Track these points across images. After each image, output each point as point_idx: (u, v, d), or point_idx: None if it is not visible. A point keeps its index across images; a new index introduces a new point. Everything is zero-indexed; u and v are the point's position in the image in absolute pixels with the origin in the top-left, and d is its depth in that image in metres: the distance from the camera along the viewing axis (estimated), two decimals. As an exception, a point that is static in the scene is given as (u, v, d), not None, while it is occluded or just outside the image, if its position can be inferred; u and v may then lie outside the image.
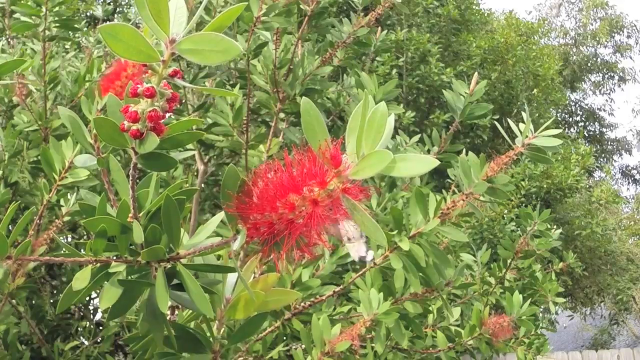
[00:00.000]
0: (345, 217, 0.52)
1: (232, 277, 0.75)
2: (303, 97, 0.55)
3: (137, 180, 0.65)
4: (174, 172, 1.81)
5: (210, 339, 0.75)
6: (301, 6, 1.59)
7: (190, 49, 0.53)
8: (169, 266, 0.64)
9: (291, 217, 0.53)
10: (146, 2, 0.51)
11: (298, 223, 0.53)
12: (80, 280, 0.62)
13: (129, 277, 0.65)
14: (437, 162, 0.50)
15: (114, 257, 0.65)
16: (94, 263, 0.64)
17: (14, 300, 1.58)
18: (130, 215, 0.63)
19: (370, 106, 0.51)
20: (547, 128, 0.98)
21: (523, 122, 1.02)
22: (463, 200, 0.99)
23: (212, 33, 0.52)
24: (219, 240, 0.63)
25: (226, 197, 0.59)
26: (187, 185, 1.89)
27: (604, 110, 12.32)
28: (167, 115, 0.59)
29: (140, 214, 0.65)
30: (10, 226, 0.79)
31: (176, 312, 0.85)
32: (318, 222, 0.52)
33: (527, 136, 0.97)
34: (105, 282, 0.64)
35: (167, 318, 0.72)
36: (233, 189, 0.59)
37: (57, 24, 1.69)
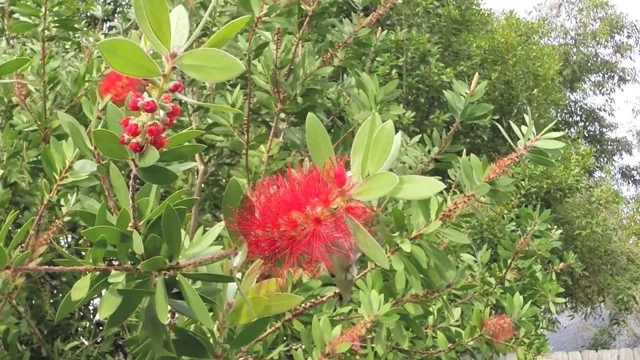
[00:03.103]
0: (347, 236, 0.52)
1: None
2: (307, 109, 0.55)
3: (137, 189, 0.64)
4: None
5: (212, 343, 0.75)
6: (302, 6, 1.59)
7: (191, 64, 0.52)
8: (169, 275, 0.63)
9: (293, 235, 0.53)
10: (146, 14, 0.50)
11: (300, 241, 0.53)
12: (80, 290, 0.62)
13: (129, 285, 0.64)
14: (443, 186, 0.50)
15: (114, 265, 0.65)
16: (94, 271, 0.63)
17: (14, 300, 1.58)
18: (130, 224, 0.63)
19: (377, 124, 0.51)
20: (549, 130, 0.98)
21: (524, 122, 1.01)
22: (465, 202, 0.99)
23: (215, 49, 0.51)
24: (220, 252, 0.63)
25: (228, 212, 0.59)
26: (187, 187, 1.89)
27: (604, 110, 12.32)
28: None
29: (141, 223, 0.64)
30: (9, 227, 0.79)
31: (176, 315, 0.85)
32: (320, 240, 0.52)
33: (529, 138, 0.97)
34: (105, 291, 0.63)
35: (168, 321, 0.72)
36: (235, 204, 0.59)
37: (57, 24, 1.69)
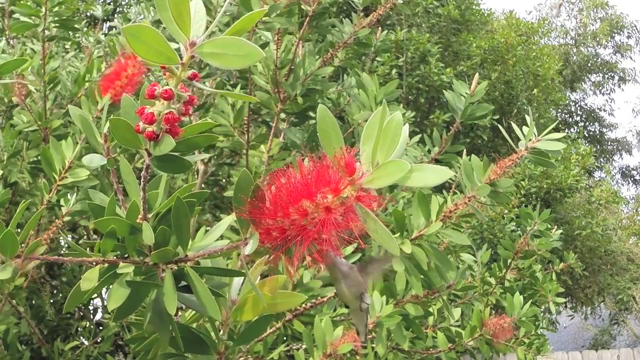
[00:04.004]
0: (358, 224, 0.52)
1: (238, 279, 0.74)
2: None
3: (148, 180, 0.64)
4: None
5: (216, 340, 0.75)
6: (302, 6, 1.59)
7: (211, 52, 0.53)
8: (177, 268, 0.64)
9: (304, 224, 0.53)
10: (169, 4, 0.51)
11: (311, 230, 0.53)
12: (89, 280, 0.62)
13: (137, 278, 0.64)
14: (452, 174, 0.50)
15: (122, 258, 0.65)
16: (102, 263, 0.64)
17: (14, 300, 1.58)
18: (140, 216, 0.63)
19: (386, 115, 0.51)
20: (550, 131, 0.98)
21: (524, 122, 1.01)
22: (465, 203, 0.99)
23: (235, 37, 0.52)
24: (229, 244, 0.63)
25: (239, 201, 0.59)
26: (187, 185, 1.89)
27: (604, 111, 12.32)
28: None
29: (150, 215, 0.65)
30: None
31: (179, 312, 0.85)
32: (331, 229, 0.52)
33: (530, 139, 0.96)
34: (113, 283, 0.64)
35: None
36: (246, 194, 0.59)
37: (57, 24, 1.69)
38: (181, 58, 0.54)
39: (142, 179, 0.62)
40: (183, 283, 0.65)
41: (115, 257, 0.65)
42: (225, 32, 0.54)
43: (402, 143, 0.52)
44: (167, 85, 0.56)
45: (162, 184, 0.69)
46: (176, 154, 0.61)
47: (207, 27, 0.55)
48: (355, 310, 0.86)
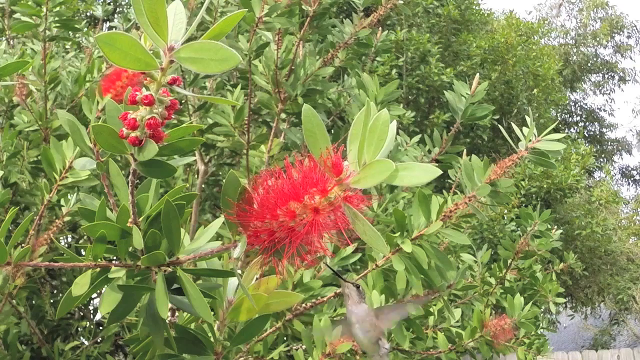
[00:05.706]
0: (346, 225, 0.52)
1: (234, 279, 0.75)
2: (304, 103, 0.54)
3: (137, 185, 0.64)
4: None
5: (212, 341, 0.75)
6: (303, 7, 1.59)
7: (189, 57, 0.53)
8: (169, 270, 0.63)
9: (292, 225, 0.53)
10: (144, 9, 0.51)
11: (299, 231, 0.53)
12: (80, 285, 0.62)
13: (129, 281, 0.64)
14: (440, 172, 0.50)
15: (114, 262, 0.65)
16: (94, 268, 0.63)
17: (14, 300, 1.58)
18: (130, 220, 0.63)
19: (372, 113, 0.51)
20: (550, 131, 0.97)
21: (524, 122, 1.01)
22: (466, 203, 0.99)
23: (212, 42, 0.52)
24: (219, 246, 0.63)
25: (226, 204, 0.59)
26: (188, 185, 1.89)
27: (604, 111, 12.31)
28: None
29: (140, 219, 0.65)
30: (10, 227, 0.79)
31: (176, 313, 0.85)
32: (319, 230, 0.52)
33: (530, 140, 0.96)
34: (105, 287, 0.63)
35: (168, 320, 0.72)
36: (233, 196, 0.59)
37: (58, 24, 1.69)
38: (161, 63, 0.54)
39: (130, 184, 0.62)
40: (176, 285, 0.65)
41: (108, 260, 0.65)
42: (203, 36, 0.53)
43: (390, 141, 0.51)
44: (148, 90, 0.56)
45: (152, 187, 0.69)
46: (161, 158, 0.61)
47: (186, 30, 0.55)
48: (374, 355, 0.85)
